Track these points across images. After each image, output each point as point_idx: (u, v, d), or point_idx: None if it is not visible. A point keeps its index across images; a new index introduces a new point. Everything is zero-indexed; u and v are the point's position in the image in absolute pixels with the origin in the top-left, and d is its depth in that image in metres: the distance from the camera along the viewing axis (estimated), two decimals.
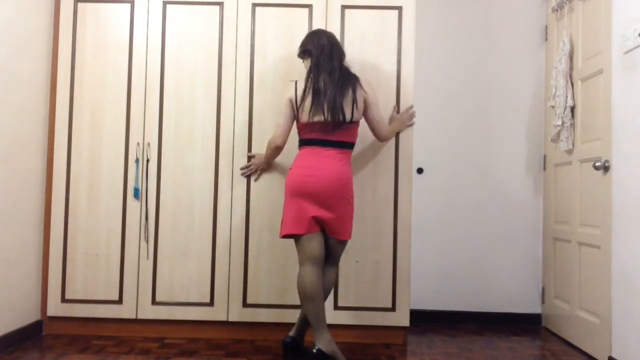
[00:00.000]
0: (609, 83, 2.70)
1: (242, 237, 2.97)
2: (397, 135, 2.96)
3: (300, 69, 2.95)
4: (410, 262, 2.97)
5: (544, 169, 3.55)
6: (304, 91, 2.52)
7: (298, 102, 2.54)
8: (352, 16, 2.99)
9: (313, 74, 2.54)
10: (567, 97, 3.12)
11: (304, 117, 2.53)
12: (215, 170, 3.00)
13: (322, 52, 2.55)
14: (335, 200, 2.49)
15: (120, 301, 2.99)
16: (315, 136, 2.54)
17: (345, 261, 2.92)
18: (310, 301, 2.45)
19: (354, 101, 2.53)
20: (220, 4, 3.03)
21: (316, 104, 2.49)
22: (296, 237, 2.52)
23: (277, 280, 2.97)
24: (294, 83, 2.59)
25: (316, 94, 2.50)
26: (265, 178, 2.98)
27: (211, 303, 2.97)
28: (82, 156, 3.02)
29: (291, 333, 2.64)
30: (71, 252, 3.00)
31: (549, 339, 3.21)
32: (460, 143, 3.59)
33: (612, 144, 2.66)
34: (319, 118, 2.50)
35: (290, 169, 2.58)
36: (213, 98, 3.01)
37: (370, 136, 2.80)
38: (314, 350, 2.42)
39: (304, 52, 2.63)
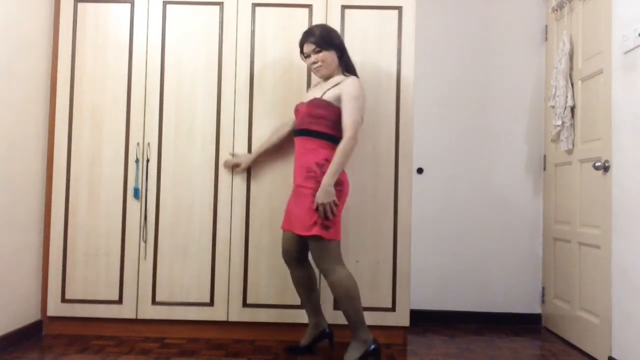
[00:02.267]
0: (609, 83, 2.70)
1: (242, 237, 2.97)
2: (397, 135, 2.96)
3: (300, 69, 2.96)
4: (410, 262, 2.97)
5: (544, 169, 3.55)
6: None
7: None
8: (352, 16, 2.99)
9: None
10: (567, 97, 3.12)
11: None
12: (215, 170, 3.00)
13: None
14: None
15: (120, 301, 2.99)
16: None
17: (346, 261, 2.91)
18: (360, 298, 2.56)
19: None
20: (220, 4, 3.03)
21: None
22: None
23: (277, 280, 2.97)
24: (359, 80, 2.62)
25: None
26: (265, 178, 2.98)
27: (211, 303, 2.97)
28: (82, 156, 3.02)
29: (305, 342, 2.76)
30: (71, 252, 3.00)
31: (549, 339, 3.21)
32: (460, 143, 3.59)
33: (612, 144, 2.66)
34: None
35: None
36: (213, 98, 3.01)
37: (370, 137, 2.80)
38: (373, 346, 2.55)
39: (337, 46, 2.63)
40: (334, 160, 2.47)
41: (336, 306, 2.93)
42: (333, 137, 2.55)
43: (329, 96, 2.55)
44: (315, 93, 2.65)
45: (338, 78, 2.63)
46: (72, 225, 3.01)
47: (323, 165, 2.51)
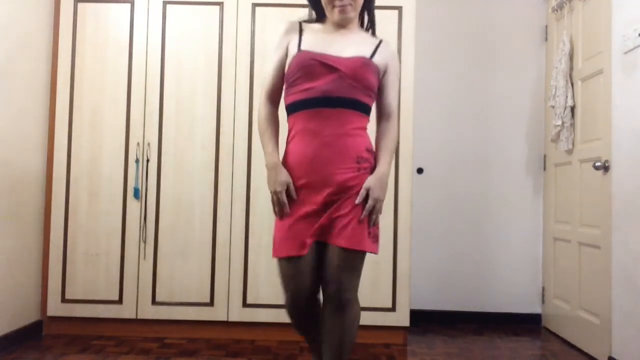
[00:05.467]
0: (609, 83, 2.70)
1: (242, 237, 2.97)
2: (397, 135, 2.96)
3: None
4: (410, 262, 2.97)
5: (544, 169, 3.55)
6: None
7: None
8: None
9: None
10: (567, 97, 3.12)
11: None
12: (215, 170, 3.00)
13: None
14: None
15: (120, 301, 2.99)
16: None
17: None
18: None
19: None
20: (220, 4, 3.03)
21: None
22: None
23: (277, 280, 2.95)
24: None
25: None
26: (265, 177, 2.97)
27: (211, 303, 2.97)
28: (82, 156, 3.02)
29: None
30: (71, 252, 3.00)
31: (549, 339, 3.21)
32: (460, 143, 3.59)
33: (612, 144, 2.66)
34: None
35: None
36: (213, 98, 3.01)
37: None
38: None
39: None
40: (389, 146, 1.87)
41: None
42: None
43: (377, 61, 1.84)
44: (351, 47, 1.83)
45: (366, 35, 1.93)
46: (72, 225, 3.01)
47: (372, 151, 1.87)
